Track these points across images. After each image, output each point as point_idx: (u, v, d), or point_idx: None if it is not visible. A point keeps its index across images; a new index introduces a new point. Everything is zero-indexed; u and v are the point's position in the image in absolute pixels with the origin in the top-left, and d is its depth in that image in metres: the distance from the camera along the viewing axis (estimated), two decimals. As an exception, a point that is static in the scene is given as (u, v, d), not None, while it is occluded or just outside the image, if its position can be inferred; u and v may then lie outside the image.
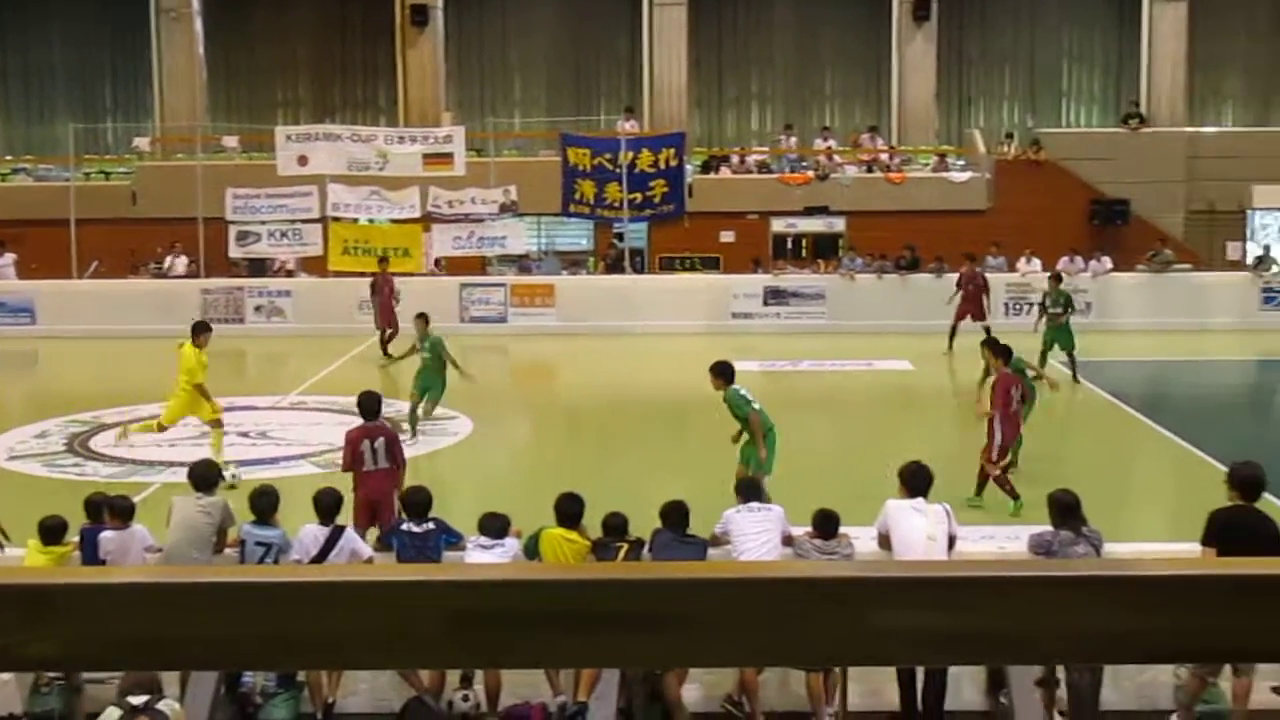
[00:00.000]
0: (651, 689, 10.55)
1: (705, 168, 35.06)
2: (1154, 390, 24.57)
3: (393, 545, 11.19)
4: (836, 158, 34.84)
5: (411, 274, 29.75)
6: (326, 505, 11.04)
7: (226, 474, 14.54)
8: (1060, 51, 37.68)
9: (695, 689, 10.85)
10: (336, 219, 31.40)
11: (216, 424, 17.14)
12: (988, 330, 26.21)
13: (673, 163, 31.68)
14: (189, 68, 37.47)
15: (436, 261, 31.90)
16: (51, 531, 10.90)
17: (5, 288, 31.92)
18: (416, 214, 31.24)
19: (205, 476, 11.42)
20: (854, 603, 1.55)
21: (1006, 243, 31.34)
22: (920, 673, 10.30)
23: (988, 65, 37.58)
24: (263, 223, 31.53)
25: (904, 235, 31.45)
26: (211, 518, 11.00)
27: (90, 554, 10.90)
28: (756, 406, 15.61)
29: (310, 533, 10.90)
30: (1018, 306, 30.73)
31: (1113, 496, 16.90)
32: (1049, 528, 10.98)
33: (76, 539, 11.12)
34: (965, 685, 10.75)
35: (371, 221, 31.96)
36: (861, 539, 11.44)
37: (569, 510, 11.01)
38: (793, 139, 35.67)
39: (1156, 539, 13.90)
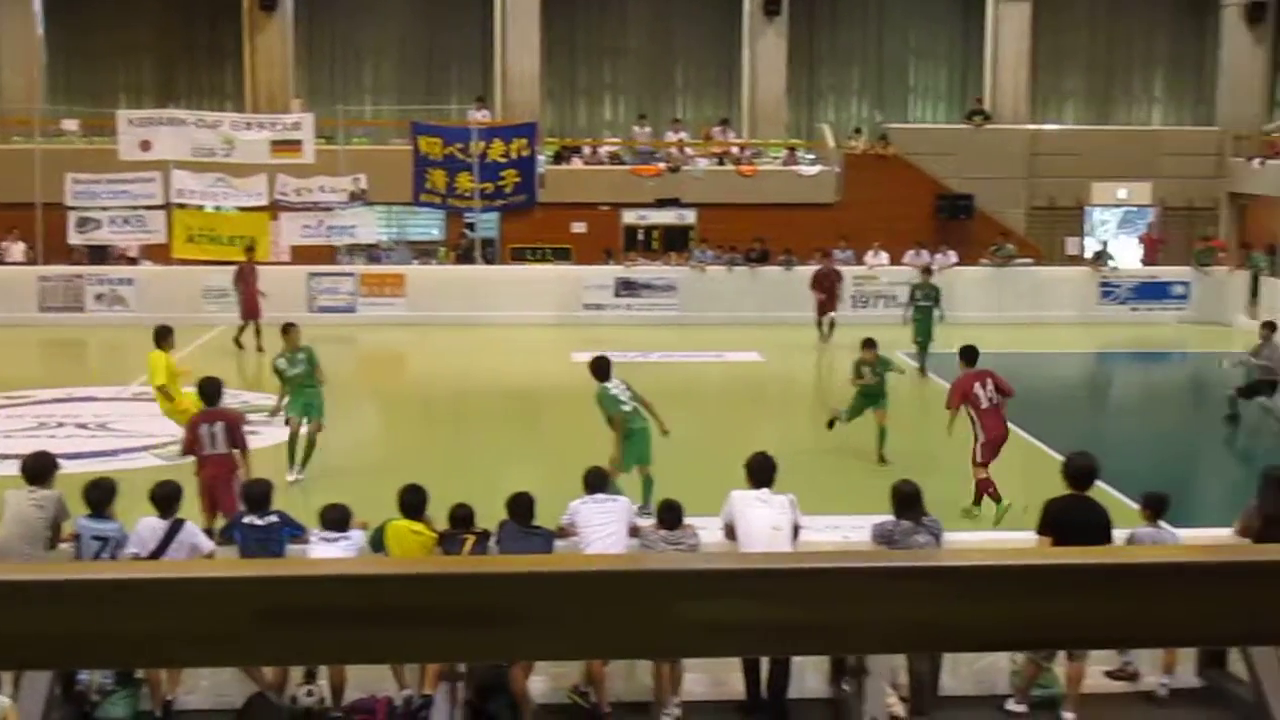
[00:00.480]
0: (497, 681, 10.52)
1: (557, 158, 35.00)
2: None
3: (235, 539, 11.01)
4: (688, 150, 34.99)
5: (258, 263, 29.30)
6: (163, 497, 10.78)
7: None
8: (908, 49, 38.23)
9: (542, 680, 10.84)
10: (181, 206, 30.83)
11: None
12: (831, 324, 26.67)
13: (525, 153, 31.58)
14: (27, 49, 36.50)
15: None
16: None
17: None
18: (263, 202, 30.79)
19: (38, 468, 11.10)
20: (671, 595, 1.55)
21: (854, 236, 31.75)
22: (765, 662, 10.39)
23: (837, 61, 37.99)
24: (104, 209, 30.85)
25: (754, 228, 31.70)
26: (45, 511, 10.68)
27: None
28: (627, 409, 15.66)
29: (149, 526, 10.67)
30: (864, 299, 31.17)
31: (956, 487, 17.21)
32: (891, 517, 11.14)
33: None
34: (809, 674, 10.87)
35: (218, 209, 31.43)
36: (709, 529, 11.52)
37: (411, 501, 10.94)
38: (646, 129, 35.74)
39: (998, 528, 14.20)
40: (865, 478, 16.47)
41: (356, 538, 10.89)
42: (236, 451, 13.70)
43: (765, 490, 11.17)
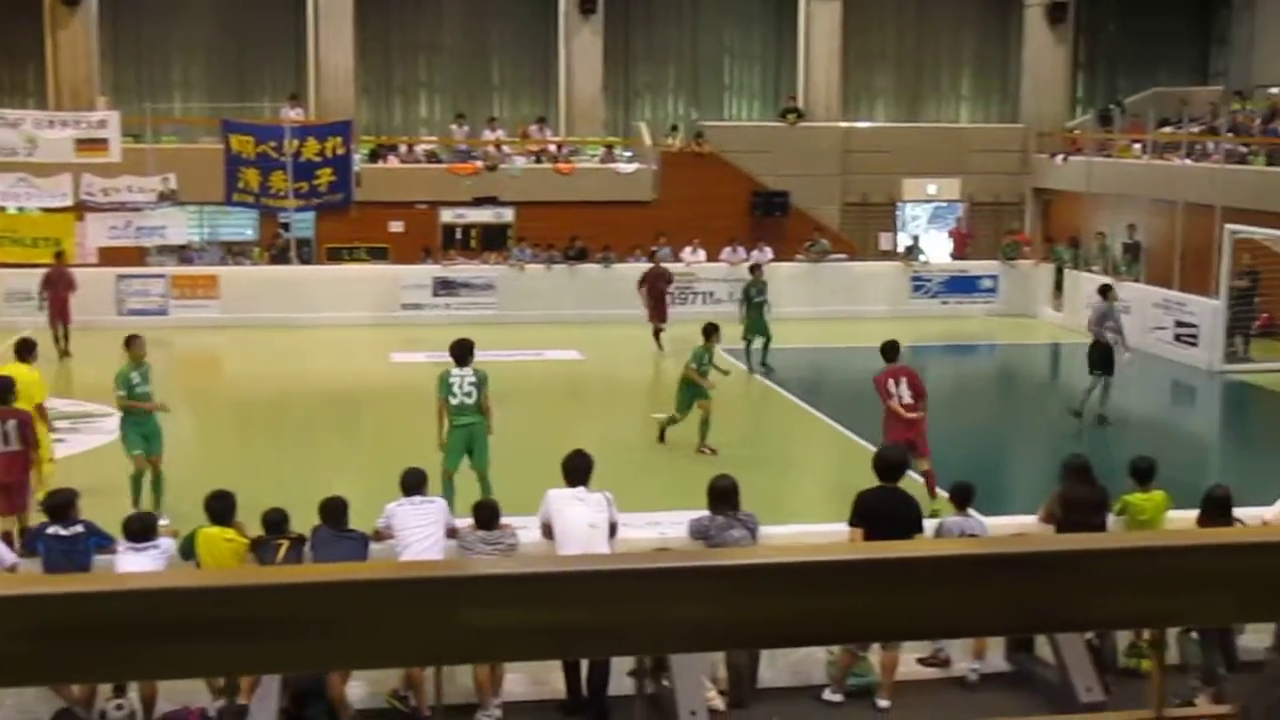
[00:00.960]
0: (314, 687, 10.40)
1: (373, 156, 34.64)
2: (811, 377, 25.44)
3: (39, 550, 10.72)
4: (505, 148, 34.90)
5: (69, 266, 28.53)
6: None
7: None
8: (723, 47, 38.57)
9: (360, 685, 10.75)
10: (-19, 207, 29.91)
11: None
12: (658, 333, 26.37)
13: (340, 151, 31.19)
14: None
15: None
16: None
17: None
18: (69, 202, 29.93)
19: None
20: (456, 601, 1.56)
21: (672, 233, 31.97)
22: (584, 660, 10.42)
23: (653, 59, 38.19)
24: (-101, 211, 29.81)
25: (572, 226, 31.76)
26: None
27: None
28: (454, 400, 15.75)
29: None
30: (683, 296, 31.38)
31: (774, 481, 17.45)
32: (707, 513, 11.26)
33: None
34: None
35: (21, 210, 30.52)
36: (530, 529, 11.52)
37: (217, 508, 10.78)
38: (465, 128, 35.57)
39: (815, 520, 14.40)
40: (684, 474, 16.60)
41: (165, 546, 10.68)
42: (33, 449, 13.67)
43: (582, 489, 11.21)
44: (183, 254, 31.86)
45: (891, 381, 16.66)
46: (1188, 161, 28.75)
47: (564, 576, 1.65)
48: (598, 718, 10.61)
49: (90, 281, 28.32)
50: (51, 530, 10.75)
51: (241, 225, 34.29)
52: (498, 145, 34.74)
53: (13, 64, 36.44)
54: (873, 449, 12.11)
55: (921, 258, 33.37)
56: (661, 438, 19.12)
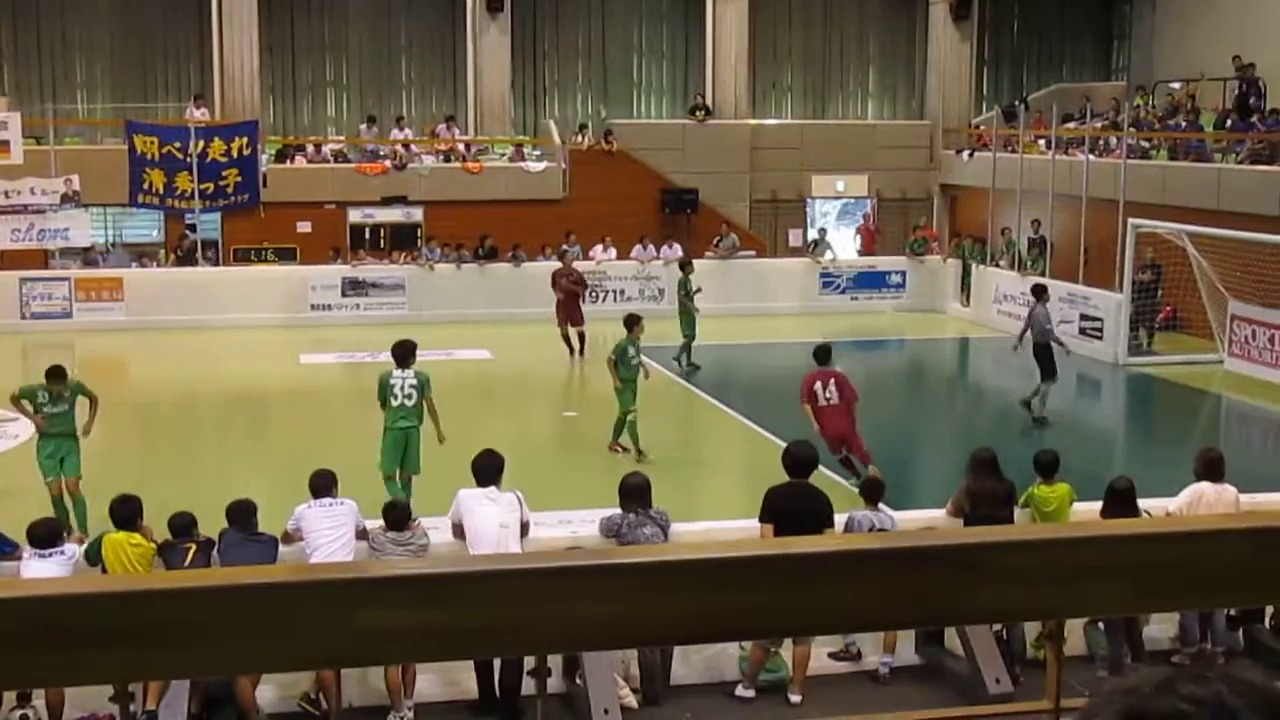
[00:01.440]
0: (223, 692, 10.30)
1: (280, 156, 34.32)
2: (721, 373, 25.48)
3: (-60, 558, 10.55)
4: (413, 148, 34.71)
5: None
6: None
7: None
8: (631, 45, 38.57)
9: (270, 689, 10.66)
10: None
11: None
12: (582, 336, 25.68)
13: (246, 152, 30.93)
14: None
15: None
16: None
17: None
18: (-31, 205, 29.48)
19: None
20: (350, 603, 1.54)
21: (582, 231, 31.96)
22: (496, 660, 10.39)
23: (562, 57, 38.10)
24: None
25: (482, 225, 31.64)
26: None
27: None
28: (394, 402, 15.62)
29: None
30: (594, 294, 31.37)
31: (685, 478, 17.50)
32: (619, 510, 11.26)
33: None
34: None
35: (-80, 214, 29.98)
36: (439, 529, 11.48)
37: (122, 512, 10.67)
38: (374, 129, 35.36)
39: (727, 517, 14.44)
40: (595, 472, 16.59)
41: (71, 552, 10.54)
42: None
43: (493, 488, 11.19)
44: (87, 256, 31.41)
45: (819, 384, 16.96)
46: (1091, 157, 29.11)
47: (461, 577, 1.63)
48: (510, 718, 10.58)
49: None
50: (-47, 538, 10.59)
51: (146, 227, 33.88)
52: (406, 145, 34.56)
53: (-91, 64, 35.78)
54: (783, 445, 12.15)
55: (829, 254, 33.56)
56: (638, 449, 18.24)
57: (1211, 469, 11.67)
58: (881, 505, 11.70)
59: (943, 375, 29.20)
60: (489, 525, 10.84)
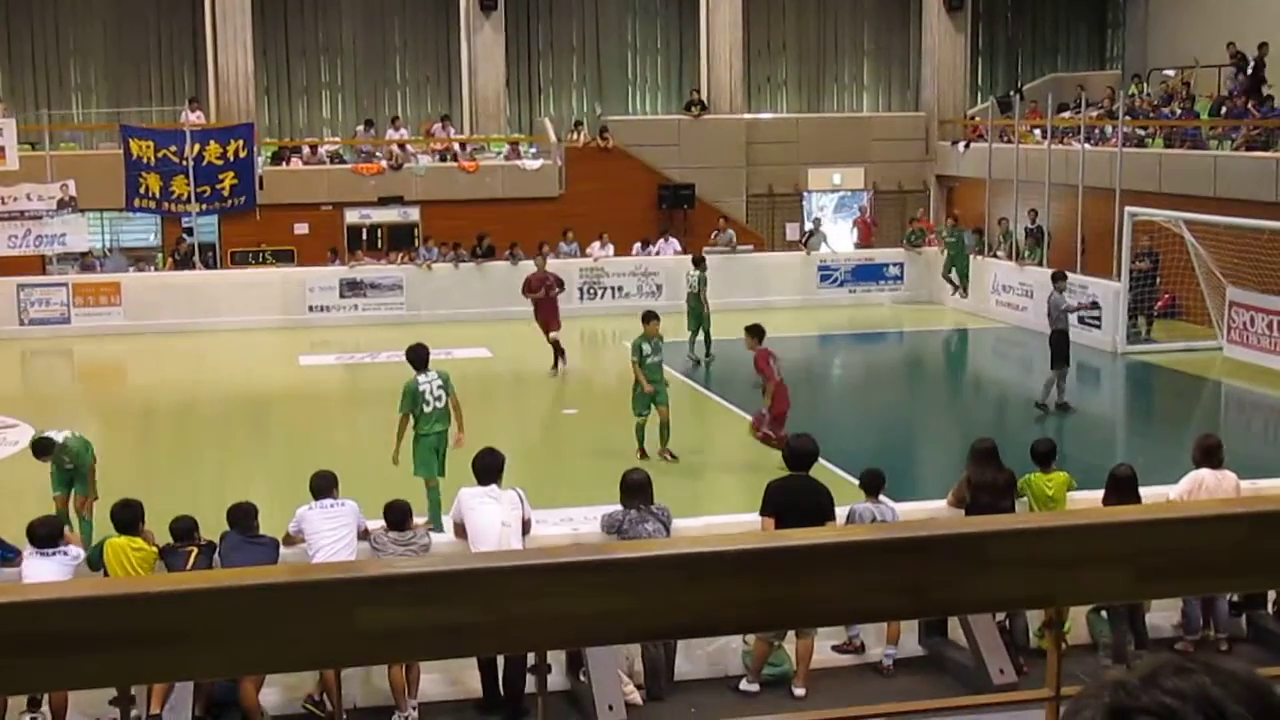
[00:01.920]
0: (227, 696, 10.31)
1: (276, 159, 34.31)
2: (720, 368, 25.46)
3: (-58, 565, 10.55)
4: (409, 147, 34.70)
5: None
6: None
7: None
8: (625, 41, 38.54)
9: (274, 692, 10.66)
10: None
11: None
12: (556, 343, 24.51)
13: (242, 154, 30.95)
14: None
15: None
16: None
17: None
18: (-35, 212, 29.46)
19: None
20: (349, 603, 1.54)
21: (579, 228, 31.98)
22: (500, 658, 10.39)
23: (556, 54, 38.07)
24: None
25: (479, 223, 31.64)
26: None
27: None
28: (426, 409, 15.23)
29: None
30: (592, 291, 31.43)
31: (686, 473, 17.50)
32: (619, 507, 11.26)
33: None
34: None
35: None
36: (443, 530, 11.50)
37: (124, 517, 10.67)
38: (371, 132, 35.36)
39: (728, 511, 14.46)
40: (597, 469, 16.59)
41: (75, 553, 10.56)
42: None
43: (494, 486, 11.19)
44: (84, 261, 31.40)
45: (772, 360, 17.28)
46: (1087, 146, 29.10)
47: (459, 574, 1.63)
48: (515, 716, 10.59)
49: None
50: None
51: (144, 231, 33.88)
52: (401, 145, 34.55)
53: (-97, 72, 35.74)
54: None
55: (823, 247, 33.56)
56: (642, 452, 18.00)
57: (1210, 455, 11.67)
58: (882, 497, 11.71)
59: (942, 366, 29.21)
60: (491, 524, 10.84)
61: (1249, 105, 29.80)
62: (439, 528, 12.77)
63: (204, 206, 30.74)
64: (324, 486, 11.27)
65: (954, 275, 31.06)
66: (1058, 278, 22.07)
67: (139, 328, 29.07)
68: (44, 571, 10.12)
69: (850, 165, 36.87)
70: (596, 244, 31.96)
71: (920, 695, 10.77)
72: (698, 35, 37.60)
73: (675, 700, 10.90)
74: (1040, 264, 27.97)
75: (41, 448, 14.38)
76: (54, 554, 10.39)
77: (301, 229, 32.71)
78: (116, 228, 33.70)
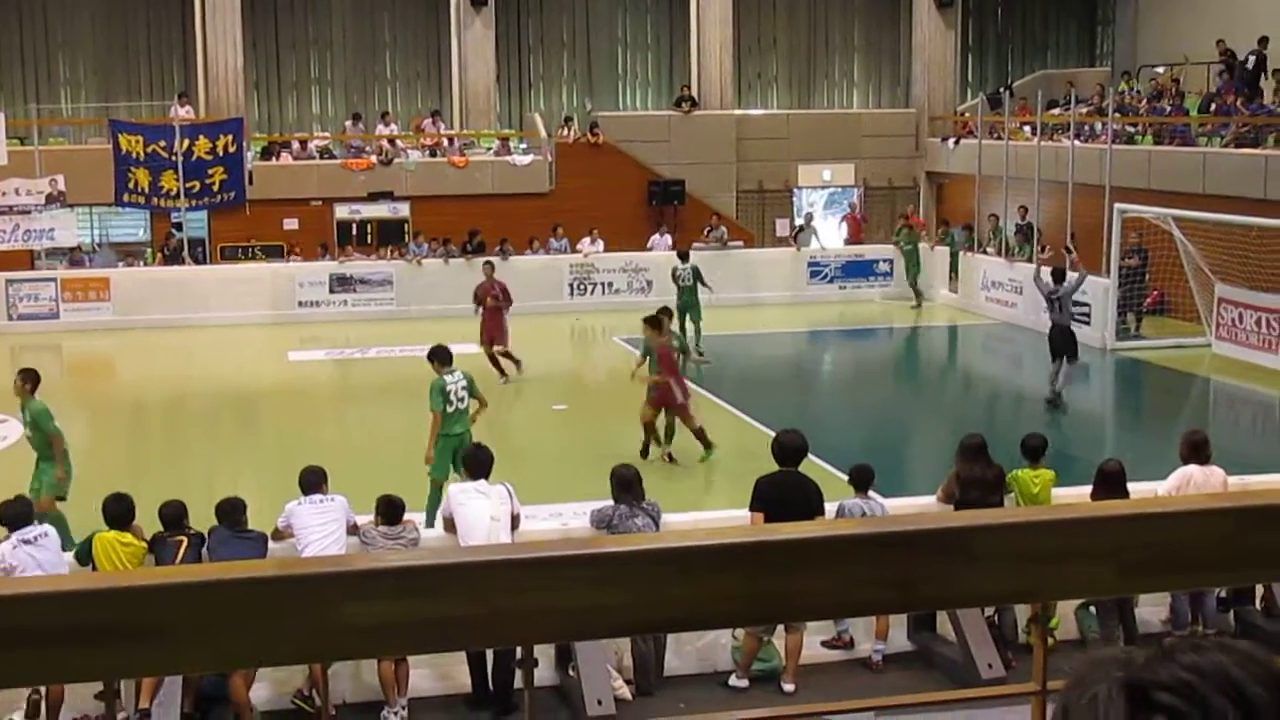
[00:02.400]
0: (217, 691, 10.30)
1: (265, 154, 34.27)
2: (711, 364, 25.46)
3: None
4: (399, 143, 34.68)
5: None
6: None
7: None
8: (615, 37, 38.54)
9: (263, 687, 10.65)
10: None
11: None
12: (508, 356, 23.59)
13: (231, 149, 30.86)
14: None
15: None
16: None
17: None
18: (-47, 207, 29.40)
19: None
20: (337, 596, 1.54)
21: (569, 224, 31.98)
22: (490, 653, 10.39)
23: (547, 50, 38.08)
24: None
25: (469, 219, 31.61)
26: None
27: None
28: (450, 408, 15.06)
29: None
30: (582, 287, 31.43)
31: (677, 468, 17.50)
32: (610, 502, 11.27)
33: None
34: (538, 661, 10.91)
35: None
36: (434, 525, 11.50)
37: (115, 512, 10.65)
38: (360, 126, 35.33)
39: (717, 507, 14.48)
40: (586, 464, 16.60)
41: (51, 533, 10.60)
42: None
43: (482, 481, 11.20)
44: (73, 256, 31.35)
45: (673, 353, 17.42)
46: (1077, 143, 29.13)
47: (446, 569, 1.63)
48: (504, 711, 10.59)
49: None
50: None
51: (133, 226, 33.85)
52: (391, 140, 34.53)
53: (-109, 66, 35.66)
54: (772, 434, 12.16)
55: (814, 242, 33.59)
56: (645, 448, 17.71)
57: (1197, 451, 11.69)
58: (872, 493, 11.72)
59: (932, 362, 29.25)
60: (480, 518, 10.85)
61: (1237, 102, 29.85)
62: (430, 524, 12.75)
63: (193, 202, 30.68)
64: (313, 482, 11.27)
65: (918, 281, 31.09)
66: (1059, 275, 21.97)
67: (128, 323, 29.03)
68: (25, 561, 10.14)
69: (840, 161, 36.88)
70: (586, 240, 31.95)
71: (910, 690, 10.80)
72: (688, 31, 37.61)
73: (664, 695, 10.90)
74: (1030, 260, 27.98)
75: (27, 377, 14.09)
76: (37, 539, 10.37)
77: (291, 224, 32.69)
78: (105, 223, 33.66)
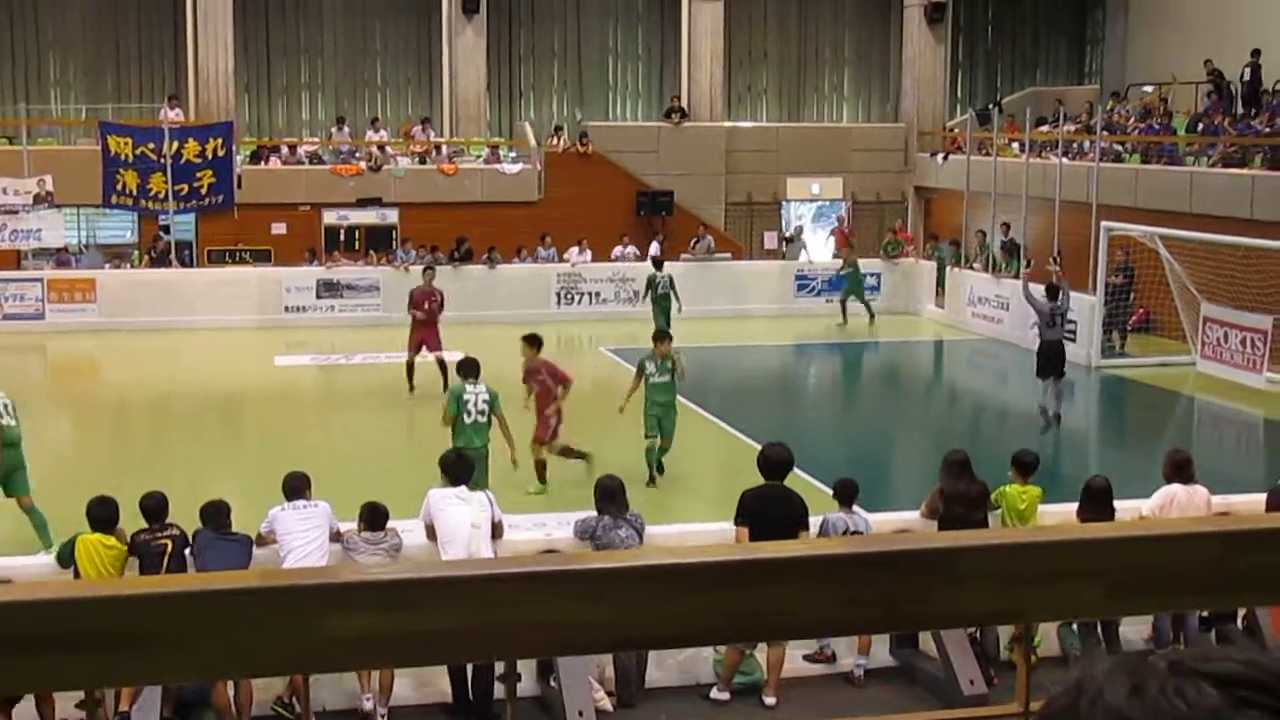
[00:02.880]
0: (199, 697, 10.27)
1: (254, 158, 34.24)
2: (698, 376, 25.45)
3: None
4: (388, 149, 34.66)
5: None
6: None
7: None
8: (606, 48, 38.59)
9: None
10: None
11: None
12: (441, 364, 22.48)
13: (220, 153, 30.82)
14: None
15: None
16: None
17: None
18: (-60, 206, 29.33)
19: None
20: (320, 609, 1.53)
21: (557, 233, 31.98)
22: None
23: (537, 59, 38.10)
24: None
25: (457, 227, 31.61)
26: None
27: None
28: (468, 420, 14.79)
29: None
30: (570, 296, 31.42)
31: (662, 479, 17.46)
32: (594, 512, 11.26)
33: None
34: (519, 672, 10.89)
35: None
36: (413, 531, 11.47)
37: (100, 514, 10.62)
38: (345, 130, 35.30)
39: (702, 519, 14.45)
40: (570, 474, 16.59)
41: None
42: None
43: (463, 487, 11.19)
44: (60, 257, 31.28)
45: (548, 375, 16.77)
46: (1065, 160, 29.20)
47: (431, 582, 1.62)
48: (485, 720, 10.57)
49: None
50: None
51: (120, 228, 33.79)
52: (381, 146, 34.51)
53: (-120, 64, 35.58)
54: (758, 447, 12.16)
55: (802, 255, 33.65)
56: (657, 472, 17.29)
57: (1181, 470, 11.71)
58: (856, 507, 11.72)
59: (918, 377, 29.27)
60: (460, 525, 10.84)
61: (1225, 122, 29.95)
62: None
63: (181, 204, 30.64)
64: (297, 487, 11.25)
65: (855, 302, 30.91)
66: (1054, 291, 21.96)
67: (114, 324, 28.96)
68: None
69: (829, 175, 36.94)
70: (575, 249, 31.94)
71: (891, 706, 10.81)
72: (679, 42, 37.64)
73: (646, 707, 10.89)
74: (1016, 277, 28.02)
75: None
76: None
77: (279, 229, 32.66)
78: (93, 224, 33.60)
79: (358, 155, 34.28)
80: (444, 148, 35.13)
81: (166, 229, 31.67)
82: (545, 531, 12.87)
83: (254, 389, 24.31)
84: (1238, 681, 1.32)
